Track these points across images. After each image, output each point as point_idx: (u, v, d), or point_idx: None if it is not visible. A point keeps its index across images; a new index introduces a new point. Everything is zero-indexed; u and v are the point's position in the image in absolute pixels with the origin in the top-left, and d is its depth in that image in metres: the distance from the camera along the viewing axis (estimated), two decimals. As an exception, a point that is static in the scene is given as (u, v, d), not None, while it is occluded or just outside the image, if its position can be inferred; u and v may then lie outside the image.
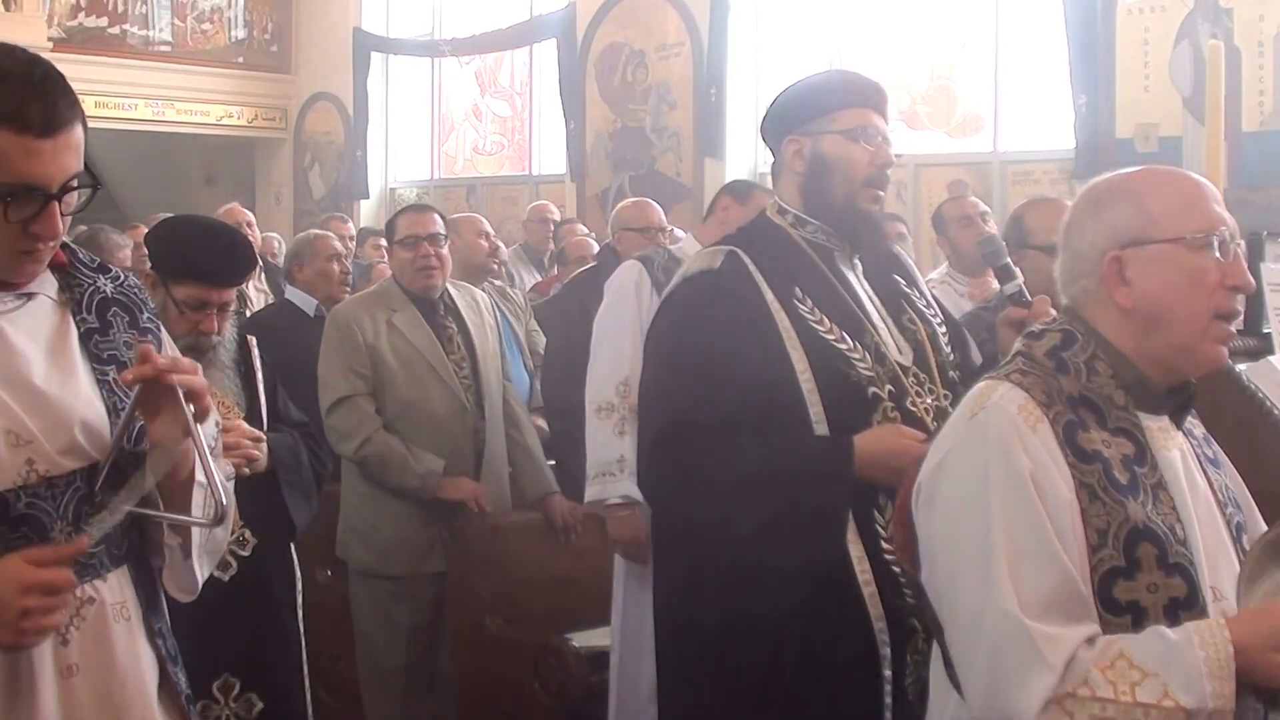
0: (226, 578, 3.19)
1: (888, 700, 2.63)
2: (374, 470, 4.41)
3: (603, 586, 4.27)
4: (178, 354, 2.23)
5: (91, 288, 2.10)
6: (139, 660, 2.06)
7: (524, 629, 4.34)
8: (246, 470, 3.16)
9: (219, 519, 2.02)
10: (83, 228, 5.81)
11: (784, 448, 2.67)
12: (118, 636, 2.02)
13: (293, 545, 3.48)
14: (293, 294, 5.54)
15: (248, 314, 5.39)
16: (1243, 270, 1.99)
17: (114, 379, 2.03)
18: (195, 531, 2.08)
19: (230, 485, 2.23)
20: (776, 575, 2.63)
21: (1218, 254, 1.96)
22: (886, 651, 2.62)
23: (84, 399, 2.00)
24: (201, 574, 2.14)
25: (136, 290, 2.17)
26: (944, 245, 5.34)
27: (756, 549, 2.64)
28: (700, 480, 2.69)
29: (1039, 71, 9.49)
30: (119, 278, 2.16)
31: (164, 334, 2.20)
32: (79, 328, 2.06)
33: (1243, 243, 2.06)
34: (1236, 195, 7.08)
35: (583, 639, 4.24)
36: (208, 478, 1.99)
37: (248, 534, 3.24)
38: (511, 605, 4.39)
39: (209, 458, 1.98)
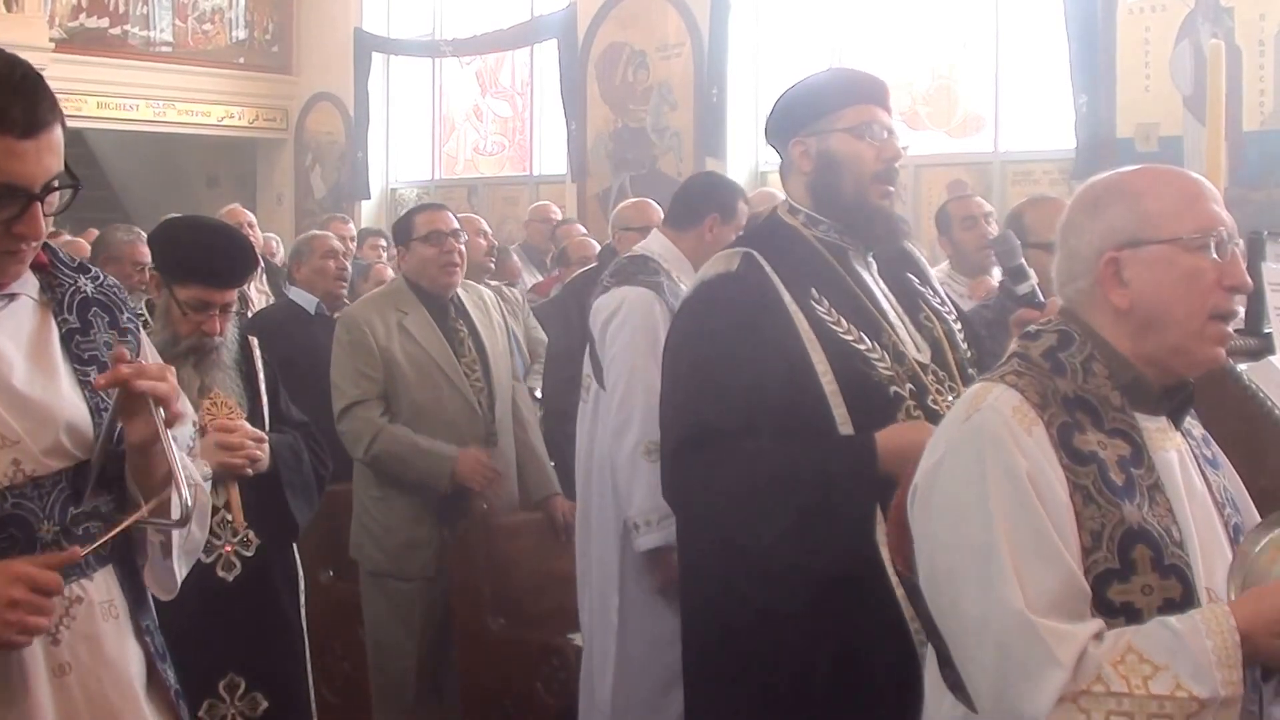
0: (231, 578, 3.21)
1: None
2: (390, 467, 4.40)
3: (605, 587, 4.28)
4: (156, 357, 2.24)
5: (72, 288, 2.11)
6: (128, 658, 2.08)
7: (526, 629, 4.35)
8: (249, 471, 3.18)
9: (184, 520, 2.03)
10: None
11: (806, 449, 2.66)
12: (107, 635, 2.04)
13: (295, 545, 3.49)
14: (294, 293, 5.60)
15: (248, 315, 5.41)
16: (1240, 271, 1.98)
17: (95, 379, 2.04)
18: (174, 531, 2.09)
19: (207, 485, 2.26)
20: (806, 579, 2.62)
21: (1215, 254, 1.96)
22: (923, 650, 2.62)
23: (66, 400, 2.02)
24: (180, 573, 2.15)
25: (116, 290, 2.18)
26: (945, 245, 5.28)
27: (784, 553, 2.62)
28: (724, 487, 2.68)
29: (1039, 71, 9.50)
30: (99, 278, 2.17)
31: (144, 335, 2.21)
32: (60, 328, 2.07)
33: (1241, 242, 2.05)
34: (1237, 194, 7.09)
35: (585, 639, 4.26)
36: (175, 481, 1.99)
37: (251, 534, 3.25)
38: (514, 605, 4.40)
39: (177, 461, 1.98)
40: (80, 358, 2.06)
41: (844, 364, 2.69)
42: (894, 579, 2.60)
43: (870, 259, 2.90)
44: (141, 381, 1.95)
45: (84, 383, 2.05)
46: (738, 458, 2.66)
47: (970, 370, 2.86)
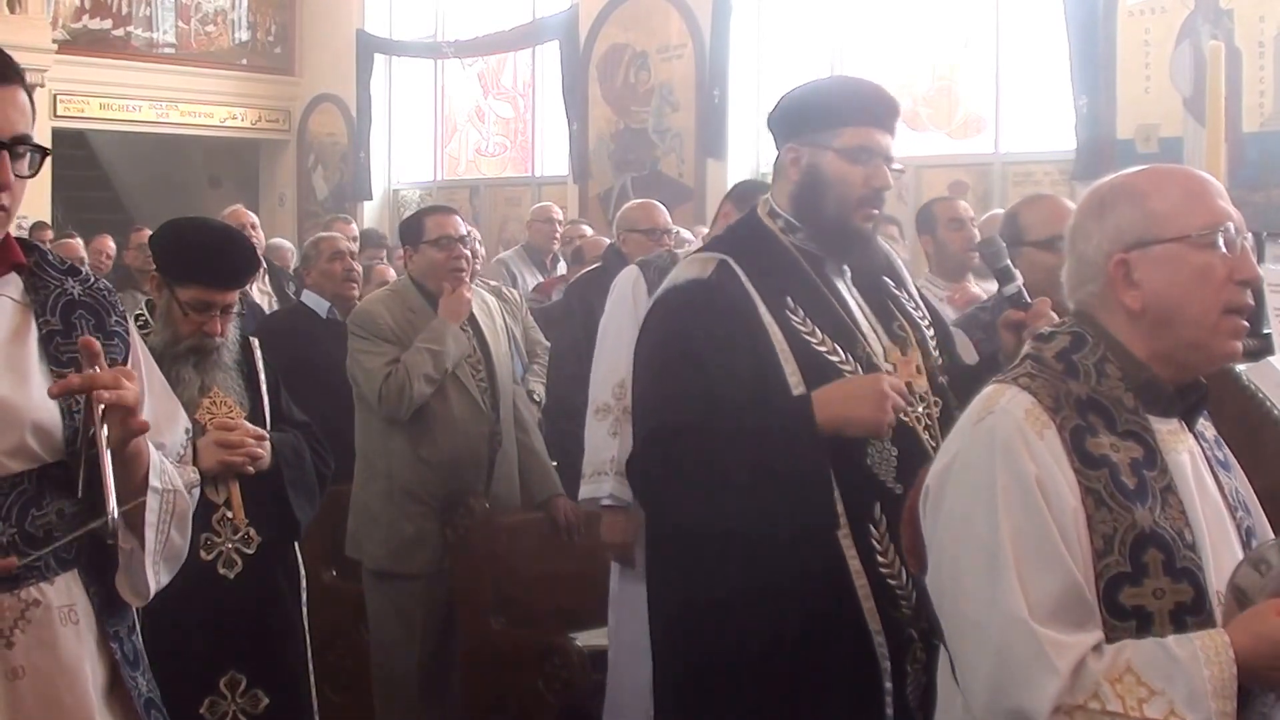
0: (232, 575, 3.22)
1: (889, 711, 2.61)
2: (428, 387, 4.36)
3: (607, 586, 4.29)
4: (149, 360, 2.23)
5: (58, 290, 2.10)
6: (87, 664, 2.04)
7: (528, 628, 4.36)
8: (250, 469, 3.20)
9: (111, 532, 1.96)
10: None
11: (750, 418, 2.65)
12: (65, 640, 2.02)
13: (297, 545, 3.50)
14: (307, 296, 5.69)
15: (250, 317, 5.43)
16: (1250, 263, 1.98)
17: (49, 387, 2.00)
18: (149, 537, 2.07)
19: (195, 491, 2.21)
20: (770, 565, 2.61)
21: (1224, 249, 1.96)
22: (887, 665, 2.60)
23: (36, 401, 1.99)
24: (154, 580, 2.11)
25: (106, 293, 2.16)
26: (928, 244, 5.12)
27: (746, 517, 2.60)
28: (681, 471, 2.66)
29: (1040, 72, 9.52)
30: (89, 280, 2.15)
31: (136, 338, 2.19)
32: (41, 330, 2.05)
33: (1250, 235, 2.05)
34: (1237, 196, 7.01)
35: (587, 638, 4.26)
36: (104, 489, 1.92)
37: (253, 532, 3.26)
38: (516, 605, 4.41)
39: (109, 470, 1.92)
40: (59, 360, 2.03)
41: (816, 375, 2.66)
42: (860, 593, 2.60)
43: (845, 267, 2.86)
44: (104, 392, 1.90)
45: None
46: (692, 442, 2.64)
47: (940, 378, 2.83)
